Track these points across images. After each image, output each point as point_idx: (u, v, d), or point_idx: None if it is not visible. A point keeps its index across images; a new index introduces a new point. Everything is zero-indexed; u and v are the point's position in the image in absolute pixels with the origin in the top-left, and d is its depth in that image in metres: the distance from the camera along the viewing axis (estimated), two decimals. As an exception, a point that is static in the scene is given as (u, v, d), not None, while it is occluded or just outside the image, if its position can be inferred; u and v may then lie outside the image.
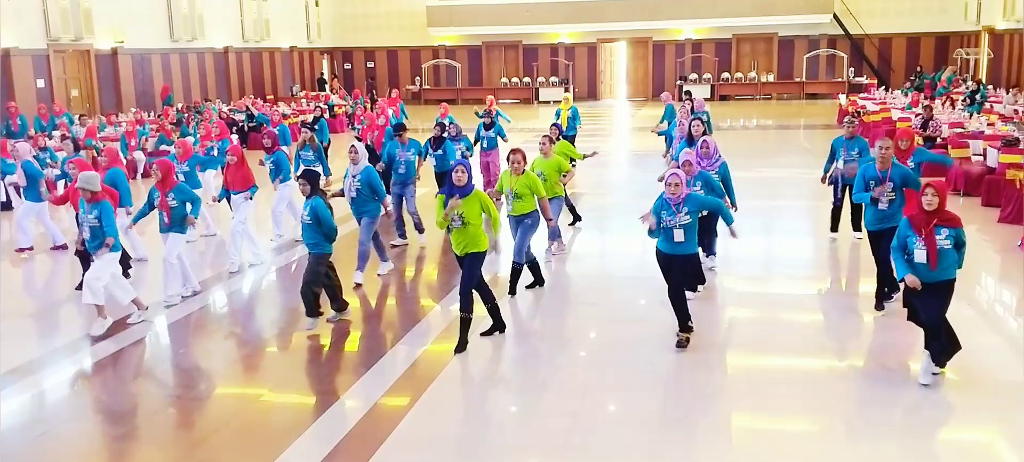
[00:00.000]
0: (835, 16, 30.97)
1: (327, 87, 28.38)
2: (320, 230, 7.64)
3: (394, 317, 8.63)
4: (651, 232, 7.05)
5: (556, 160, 9.60)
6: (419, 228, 11.00)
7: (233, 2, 28.56)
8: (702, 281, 8.33)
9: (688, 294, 7.73)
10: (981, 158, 13.14)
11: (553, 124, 11.81)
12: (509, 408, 6.29)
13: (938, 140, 15.00)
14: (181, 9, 25.41)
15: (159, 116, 20.02)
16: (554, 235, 10.14)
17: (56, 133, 17.12)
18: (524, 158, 8.47)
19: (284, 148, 12.33)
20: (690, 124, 10.57)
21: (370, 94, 30.40)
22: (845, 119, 10.82)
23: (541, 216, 8.55)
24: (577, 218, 11.79)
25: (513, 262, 8.64)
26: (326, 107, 25.20)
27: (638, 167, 17.71)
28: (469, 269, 7.20)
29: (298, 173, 8.58)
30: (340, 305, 8.12)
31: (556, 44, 34.60)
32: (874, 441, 5.49)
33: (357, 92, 28.62)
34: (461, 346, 7.21)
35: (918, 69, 29.07)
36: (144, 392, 6.84)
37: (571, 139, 16.30)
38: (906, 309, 6.41)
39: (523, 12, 33.31)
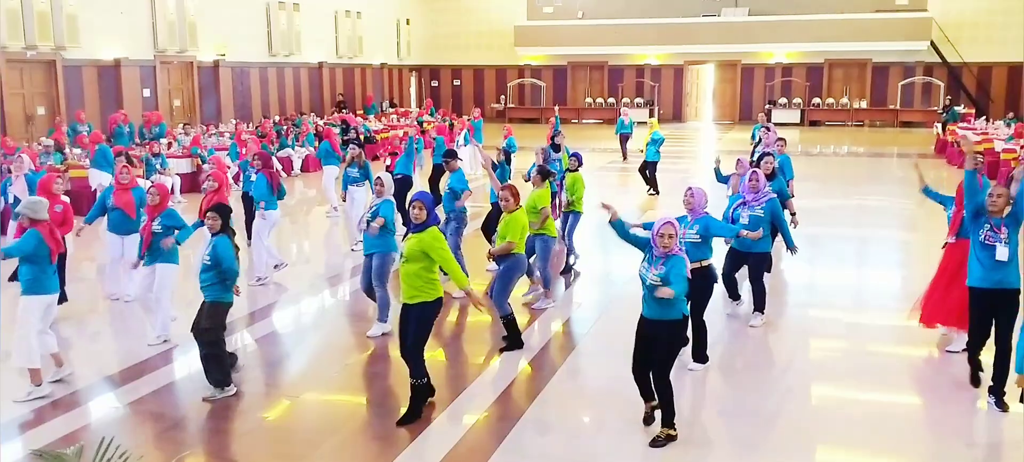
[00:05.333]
0: (932, 43, 30.13)
1: (346, 109, 28.01)
2: (218, 272, 6.62)
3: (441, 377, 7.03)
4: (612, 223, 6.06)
5: (536, 195, 8.97)
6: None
7: (329, 19, 29.41)
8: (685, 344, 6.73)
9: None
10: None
11: (542, 149, 10.76)
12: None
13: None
14: (280, 25, 26.29)
15: (257, 128, 20.71)
16: (544, 280, 9.13)
17: (162, 141, 17.85)
18: (514, 195, 7.88)
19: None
20: (760, 159, 9.79)
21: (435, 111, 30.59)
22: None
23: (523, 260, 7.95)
24: (567, 268, 10.42)
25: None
26: (418, 123, 25.69)
27: (722, 191, 17.49)
28: (413, 324, 6.19)
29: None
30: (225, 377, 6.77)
31: (642, 65, 34.53)
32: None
33: (443, 110, 29.10)
34: (410, 416, 6.20)
35: None
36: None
37: (652, 166, 16.25)
38: None
39: (610, 33, 33.37)
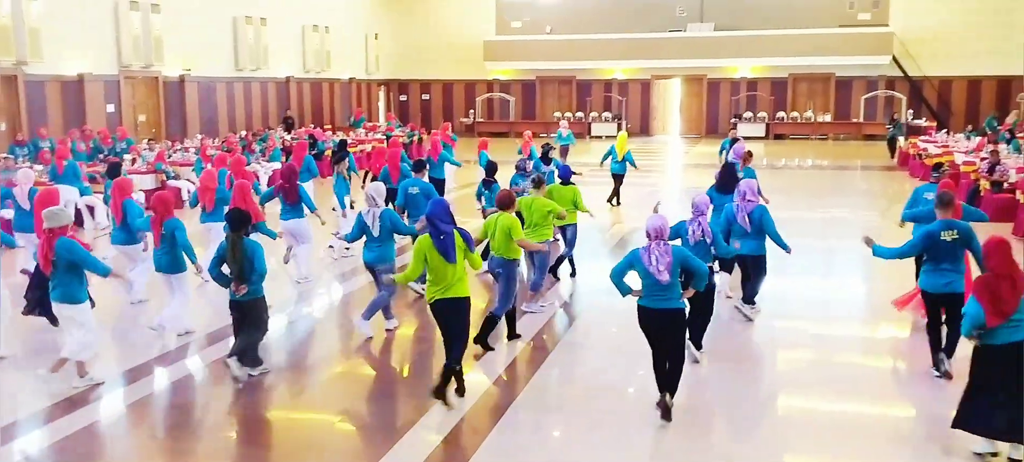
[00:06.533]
0: (894, 58, 30.67)
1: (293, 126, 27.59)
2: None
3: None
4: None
5: (540, 201, 9.29)
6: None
7: (297, 34, 29.29)
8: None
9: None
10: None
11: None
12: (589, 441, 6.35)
13: (1005, 185, 14.75)
14: (247, 40, 26.13)
15: (223, 144, 20.52)
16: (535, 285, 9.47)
17: (127, 156, 17.64)
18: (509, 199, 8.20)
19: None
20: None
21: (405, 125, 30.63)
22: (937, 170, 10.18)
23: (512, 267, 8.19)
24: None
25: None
26: (384, 137, 25.63)
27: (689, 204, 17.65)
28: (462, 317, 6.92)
29: None
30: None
31: (610, 80, 34.77)
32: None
33: (412, 124, 29.07)
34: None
35: (995, 114, 28.45)
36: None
37: (618, 178, 16.47)
38: None
39: (578, 48, 33.59)
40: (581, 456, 6.06)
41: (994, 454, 5.74)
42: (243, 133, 23.56)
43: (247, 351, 7.36)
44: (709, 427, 6.60)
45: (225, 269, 7.27)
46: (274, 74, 27.92)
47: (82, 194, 14.08)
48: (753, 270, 8.79)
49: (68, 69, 19.81)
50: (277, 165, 19.99)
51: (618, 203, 16.45)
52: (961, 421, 5.85)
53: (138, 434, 6.63)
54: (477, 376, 7.48)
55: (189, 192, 16.61)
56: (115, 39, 21.13)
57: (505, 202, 8.12)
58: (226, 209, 9.53)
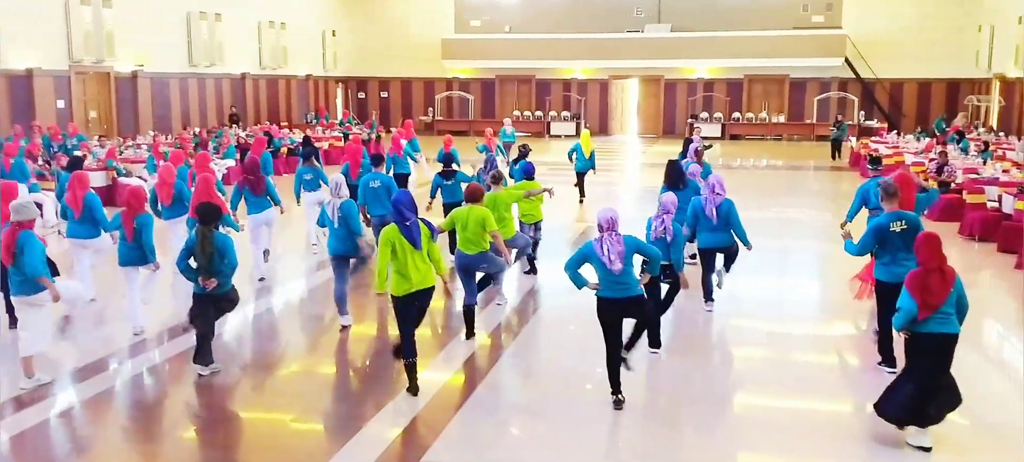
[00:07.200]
0: (847, 60, 31.20)
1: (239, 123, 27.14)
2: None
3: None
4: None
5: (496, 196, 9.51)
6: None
7: (252, 30, 28.93)
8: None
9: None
10: (996, 204, 13.22)
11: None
12: (536, 433, 6.36)
13: (953, 185, 15.09)
14: (201, 35, 25.74)
15: (176, 141, 20.21)
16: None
17: (77, 153, 17.24)
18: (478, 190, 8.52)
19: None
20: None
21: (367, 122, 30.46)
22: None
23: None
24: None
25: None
26: (342, 135, 25.46)
27: (648, 203, 17.80)
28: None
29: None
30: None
31: (569, 79, 34.90)
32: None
33: (369, 121, 28.89)
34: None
35: (944, 116, 29.07)
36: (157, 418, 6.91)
37: (582, 175, 16.59)
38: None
39: (537, 47, 33.64)
40: (537, 452, 6.07)
41: (927, 449, 5.89)
42: (197, 130, 23.21)
43: (201, 348, 7.36)
44: (665, 423, 6.64)
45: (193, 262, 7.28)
46: (229, 70, 27.55)
47: (31, 191, 13.75)
48: (727, 261, 9.21)
49: (16, 63, 19.34)
50: (231, 162, 19.77)
51: (582, 200, 16.56)
52: (882, 407, 6.08)
53: (90, 433, 6.50)
54: (434, 373, 7.47)
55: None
56: (65, 33, 20.68)
57: (475, 195, 8.34)
58: (190, 204, 9.71)
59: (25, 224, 7.10)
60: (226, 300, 7.48)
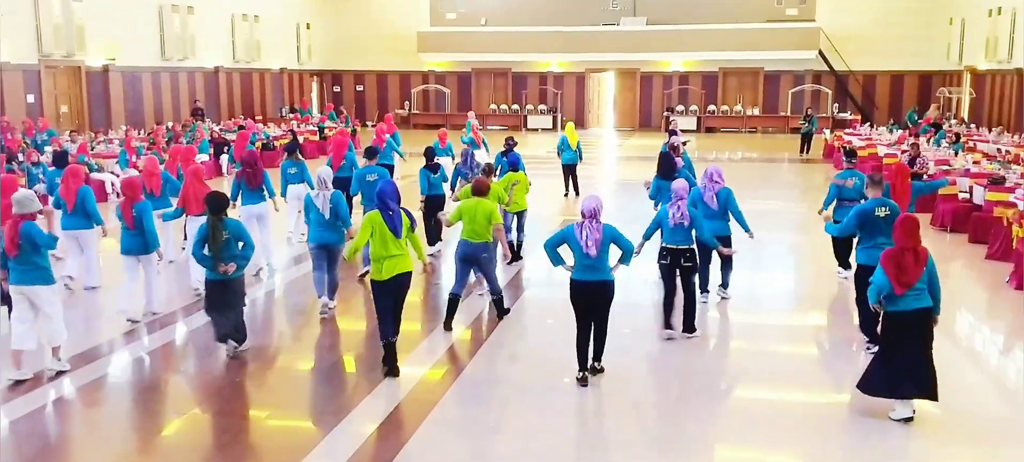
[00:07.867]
0: (820, 53, 31.44)
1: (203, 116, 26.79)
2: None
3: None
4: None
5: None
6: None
7: (225, 23, 28.66)
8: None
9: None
10: (967, 195, 13.38)
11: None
12: (515, 425, 6.36)
13: (925, 177, 15.24)
14: (173, 28, 25.46)
15: (149, 135, 19.99)
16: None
17: (47, 150, 17.04)
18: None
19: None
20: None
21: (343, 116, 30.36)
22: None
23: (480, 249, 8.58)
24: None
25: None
26: (318, 129, 25.32)
27: (626, 195, 17.86)
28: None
29: None
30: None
31: (545, 72, 34.89)
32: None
33: (343, 116, 28.76)
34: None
35: (916, 108, 29.39)
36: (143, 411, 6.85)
37: (570, 168, 16.64)
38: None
39: (514, 40, 33.59)
40: (515, 443, 6.08)
41: (909, 419, 6.14)
42: (169, 124, 22.98)
43: (238, 328, 7.64)
44: (643, 415, 6.68)
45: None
46: (202, 64, 27.28)
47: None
48: (725, 264, 9.38)
49: (-16, 57, 19.05)
50: (205, 156, 19.59)
51: (577, 194, 16.60)
52: (865, 384, 6.30)
53: (68, 429, 6.44)
54: (412, 366, 7.46)
55: (112, 185, 16.22)
56: (35, 26, 20.36)
57: (481, 189, 8.56)
58: (178, 196, 9.99)
59: (27, 216, 7.24)
60: (238, 284, 7.63)
